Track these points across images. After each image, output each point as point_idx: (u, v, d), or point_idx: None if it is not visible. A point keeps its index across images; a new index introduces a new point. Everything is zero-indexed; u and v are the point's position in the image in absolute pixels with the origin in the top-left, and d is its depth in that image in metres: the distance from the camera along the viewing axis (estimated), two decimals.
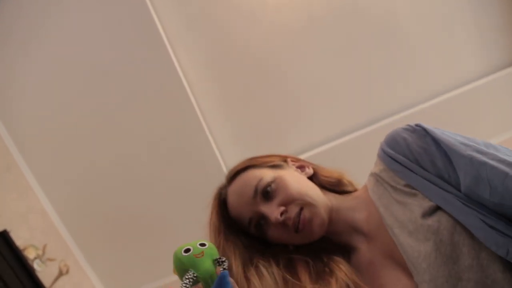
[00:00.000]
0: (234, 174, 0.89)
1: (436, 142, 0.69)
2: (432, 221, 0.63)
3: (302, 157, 2.34)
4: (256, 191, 0.81)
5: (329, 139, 2.42)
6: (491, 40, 2.38)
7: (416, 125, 0.75)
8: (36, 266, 1.96)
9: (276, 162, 0.89)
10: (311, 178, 0.88)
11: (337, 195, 0.85)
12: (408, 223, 0.67)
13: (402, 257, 0.67)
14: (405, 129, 0.76)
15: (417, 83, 2.40)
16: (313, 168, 0.91)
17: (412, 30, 2.34)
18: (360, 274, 0.75)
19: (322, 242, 0.83)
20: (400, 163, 0.72)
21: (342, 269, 0.75)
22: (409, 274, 0.66)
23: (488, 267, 0.57)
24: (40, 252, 2.05)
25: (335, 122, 2.42)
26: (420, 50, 2.37)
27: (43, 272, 2.00)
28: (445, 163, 0.67)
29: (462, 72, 2.39)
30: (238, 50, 2.34)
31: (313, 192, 0.81)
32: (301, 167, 0.90)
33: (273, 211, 0.77)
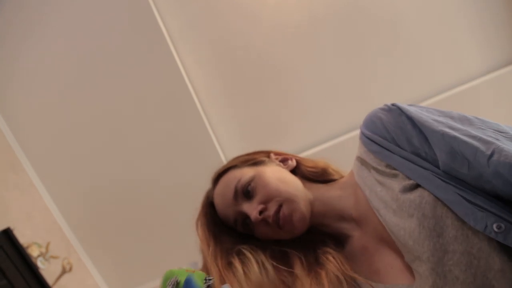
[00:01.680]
0: (217, 177, 0.92)
1: (411, 120, 0.69)
2: (413, 196, 0.63)
3: (305, 154, 2.35)
4: (236, 191, 0.82)
5: (331, 137, 2.42)
6: (494, 37, 2.37)
7: (392, 104, 0.75)
8: (40, 263, 1.97)
9: (258, 158, 0.91)
10: (294, 170, 0.89)
11: (322, 185, 0.85)
12: (392, 202, 0.66)
13: (391, 239, 0.67)
14: (381, 109, 0.76)
15: (419, 81, 2.39)
16: (297, 160, 0.92)
17: (414, 27, 2.33)
18: (354, 262, 0.75)
19: (313, 234, 0.83)
20: (378, 144, 0.72)
21: (332, 261, 0.75)
22: (402, 255, 0.66)
23: (473, 237, 0.57)
24: (43, 250, 2.06)
25: (338, 120, 2.42)
26: (423, 48, 2.36)
27: (46, 269, 2.00)
28: (420, 141, 0.67)
29: (465, 70, 2.38)
30: (240, 48, 2.33)
31: (292, 186, 0.81)
32: (283, 160, 0.91)
33: (252, 210, 0.79)
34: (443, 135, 0.63)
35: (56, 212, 2.37)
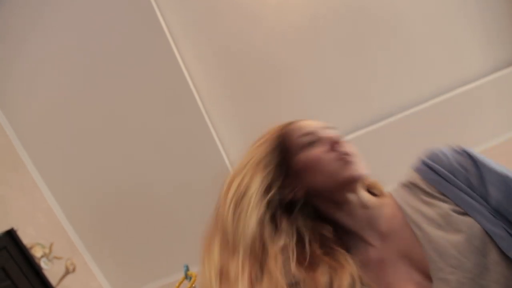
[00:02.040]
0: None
1: (475, 162, 0.73)
2: (463, 218, 0.68)
3: None
4: (321, 125, 0.87)
5: None
6: (497, 37, 2.35)
7: (460, 148, 0.79)
8: (43, 264, 1.97)
9: None
10: None
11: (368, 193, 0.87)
12: (438, 218, 0.70)
13: (420, 254, 0.69)
14: (450, 148, 0.80)
15: (421, 81, 2.38)
16: None
17: (415, 27, 2.32)
18: (365, 271, 0.75)
19: (336, 229, 0.83)
20: (436, 173, 0.75)
21: (351, 264, 0.75)
22: (423, 273, 0.69)
23: None
24: (46, 251, 2.07)
25: (340, 120, 2.42)
26: (425, 48, 2.35)
27: (50, 270, 2.01)
28: (478, 180, 0.71)
29: (468, 70, 2.37)
30: (241, 47, 2.33)
31: None
32: None
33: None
34: (503, 176, 0.69)
35: (59, 212, 2.37)
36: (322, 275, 0.72)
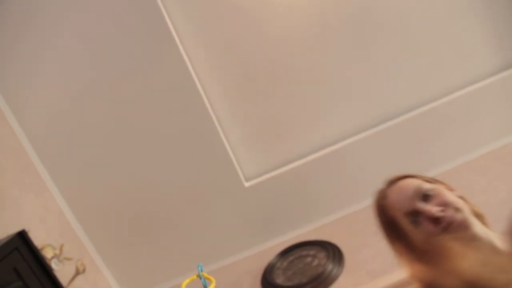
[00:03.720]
0: (395, 179, 0.97)
1: None
2: None
3: (315, 156, 2.34)
4: (416, 191, 0.88)
5: (342, 138, 2.41)
6: (505, 37, 2.33)
7: None
8: (54, 265, 2.00)
9: (432, 180, 0.96)
10: None
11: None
12: None
13: None
14: None
15: (430, 81, 2.36)
16: (460, 195, 0.94)
17: (424, 28, 2.31)
18: None
19: None
20: None
21: None
22: None
23: None
24: (57, 252, 2.09)
25: (348, 121, 2.41)
26: (434, 47, 2.33)
27: (60, 271, 2.03)
28: None
29: (476, 69, 2.35)
30: (250, 50, 2.34)
31: (465, 206, 0.86)
32: (450, 189, 0.95)
33: (431, 207, 0.84)
34: None
35: (69, 214, 2.40)
36: None
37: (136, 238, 2.49)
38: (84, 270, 2.22)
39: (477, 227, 0.83)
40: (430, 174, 0.95)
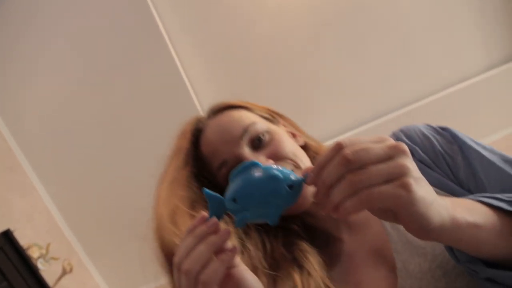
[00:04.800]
0: (223, 108, 0.77)
1: (462, 150, 0.64)
2: None
3: None
4: (245, 132, 0.69)
5: (335, 135, 2.42)
6: (494, 34, 2.36)
7: (442, 128, 0.69)
8: (40, 265, 1.97)
9: (271, 116, 0.81)
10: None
11: None
12: None
13: (391, 252, 0.63)
14: (429, 128, 0.69)
15: (419, 78, 2.38)
16: (305, 142, 0.82)
17: (415, 25, 2.32)
18: (333, 268, 0.67)
19: (291, 222, 0.73)
20: (415, 157, 0.66)
21: (312, 262, 0.65)
22: (390, 267, 0.62)
23: None
24: (43, 251, 2.06)
25: (339, 117, 2.42)
26: (423, 45, 2.35)
27: (46, 271, 2.00)
28: (468, 175, 0.63)
29: (465, 67, 2.38)
30: (242, 47, 2.33)
31: (306, 160, 0.72)
32: (292, 135, 0.80)
33: (259, 158, 0.67)
34: (501, 172, 0.60)
35: (56, 213, 2.37)
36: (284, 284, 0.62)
37: (124, 238, 2.46)
38: (71, 270, 2.19)
39: None
40: None
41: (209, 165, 0.72)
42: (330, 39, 2.33)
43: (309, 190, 0.63)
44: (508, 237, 0.48)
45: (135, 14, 2.15)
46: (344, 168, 0.41)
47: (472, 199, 0.51)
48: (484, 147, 0.66)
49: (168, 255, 0.65)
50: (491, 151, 0.65)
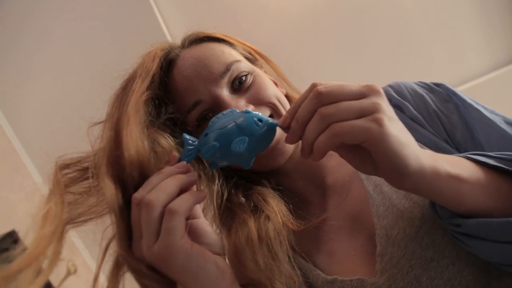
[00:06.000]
0: (202, 38, 0.68)
1: (459, 109, 0.59)
2: None
3: None
4: (227, 70, 0.61)
5: None
6: (498, 35, 2.35)
7: (436, 84, 0.63)
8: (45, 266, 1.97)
9: (253, 58, 0.74)
10: None
11: None
12: None
13: (372, 217, 0.56)
14: (421, 85, 0.63)
15: (422, 79, 2.37)
16: (287, 93, 0.77)
17: (417, 25, 2.32)
18: (303, 233, 0.61)
19: (269, 181, 0.67)
20: (405, 114, 0.61)
21: (276, 211, 0.58)
22: (369, 234, 0.56)
23: None
24: None
25: None
26: (426, 45, 2.35)
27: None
28: (465, 137, 0.58)
29: (469, 67, 2.37)
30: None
31: (288, 107, 0.64)
32: (274, 83, 0.74)
33: (239, 105, 0.59)
34: (502, 133, 0.56)
35: None
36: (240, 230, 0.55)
37: None
38: (75, 271, 2.20)
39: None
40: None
41: (179, 102, 0.63)
42: (331, 40, 2.32)
43: (286, 144, 0.57)
44: (493, 194, 0.44)
45: (138, 12, 2.16)
46: (316, 101, 0.40)
47: (458, 155, 0.48)
48: (484, 107, 0.61)
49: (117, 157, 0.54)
50: (493, 112, 0.61)
